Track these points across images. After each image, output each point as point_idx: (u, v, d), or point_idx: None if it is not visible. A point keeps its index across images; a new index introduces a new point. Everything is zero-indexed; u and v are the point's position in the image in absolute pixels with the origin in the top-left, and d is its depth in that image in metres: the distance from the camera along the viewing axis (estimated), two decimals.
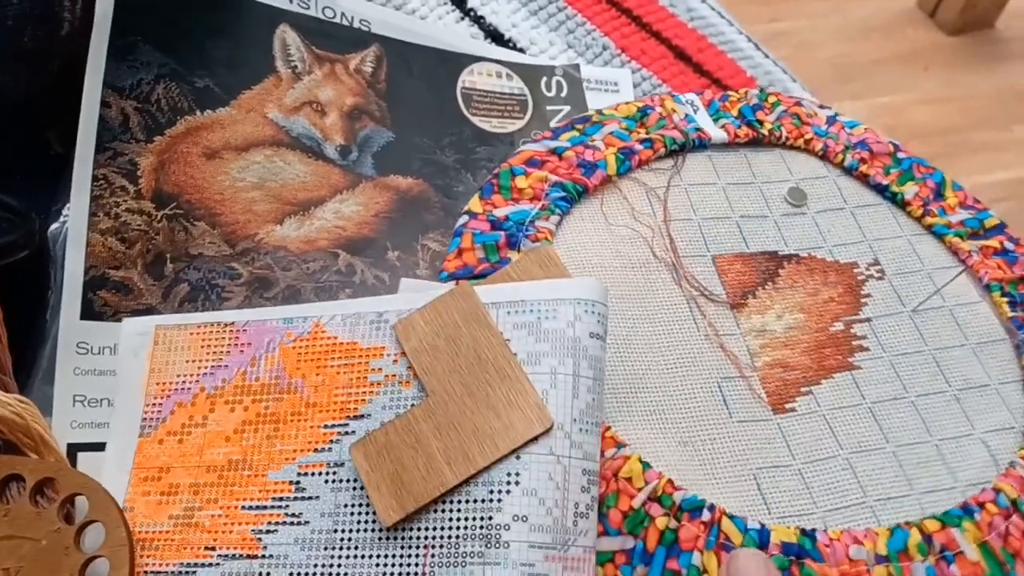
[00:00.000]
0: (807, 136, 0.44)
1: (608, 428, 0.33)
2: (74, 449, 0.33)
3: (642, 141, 0.42)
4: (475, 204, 0.39)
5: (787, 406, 0.36)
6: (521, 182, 0.40)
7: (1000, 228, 0.43)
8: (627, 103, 0.44)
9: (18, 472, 0.29)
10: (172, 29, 0.38)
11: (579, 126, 0.42)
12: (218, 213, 0.37)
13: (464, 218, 0.39)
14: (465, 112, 0.44)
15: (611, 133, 0.42)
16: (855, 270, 0.41)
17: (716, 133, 0.43)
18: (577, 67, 0.47)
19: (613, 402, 0.34)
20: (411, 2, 0.48)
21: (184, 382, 0.33)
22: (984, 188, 1.18)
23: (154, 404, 0.32)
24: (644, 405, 0.35)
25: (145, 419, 0.32)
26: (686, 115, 0.44)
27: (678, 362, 0.36)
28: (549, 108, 0.45)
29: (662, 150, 0.42)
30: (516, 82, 0.45)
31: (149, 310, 0.35)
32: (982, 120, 1.29)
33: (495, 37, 0.48)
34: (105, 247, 0.34)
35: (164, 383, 0.33)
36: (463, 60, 0.45)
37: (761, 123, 0.44)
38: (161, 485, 0.31)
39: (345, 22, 0.43)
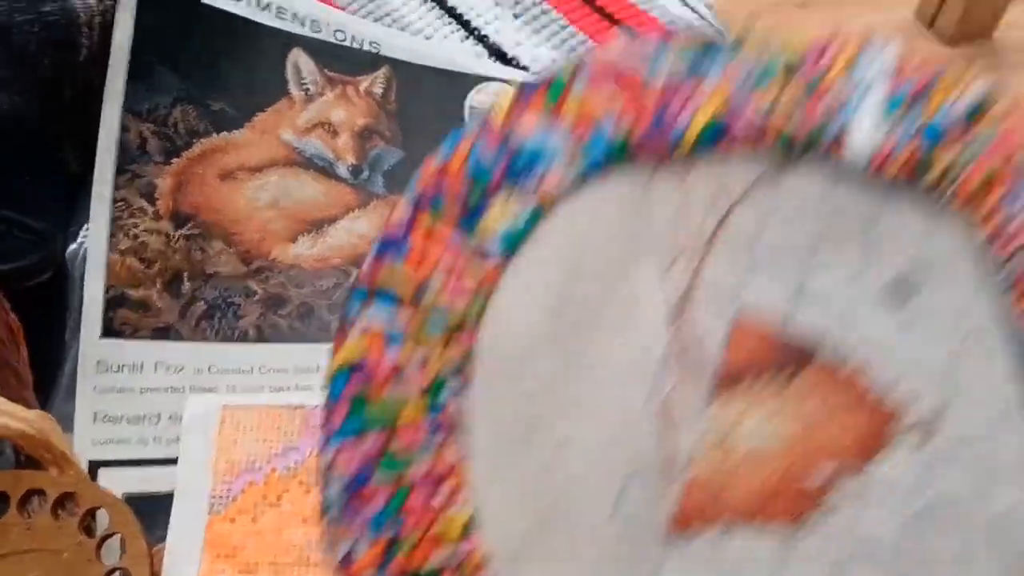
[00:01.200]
0: (990, 203, 0.28)
1: (458, 465, 0.26)
2: (95, 466, 0.33)
3: (753, 116, 0.28)
4: (499, 112, 0.28)
5: (688, 533, 0.27)
6: (572, 106, 0.28)
7: None
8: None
9: (40, 487, 0.29)
10: (188, 54, 0.39)
11: (703, 51, 0.28)
12: (234, 232, 0.38)
13: (473, 125, 0.28)
14: None
15: (732, 78, 0.28)
16: (899, 414, 0.28)
17: (860, 144, 0.28)
18: None
19: (487, 434, 0.27)
20: (416, 23, 0.49)
21: (254, 462, 0.33)
22: None
23: (223, 482, 0.33)
24: (527, 458, 0.27)
25: (214, 497, 0.32)
26: (854, 92, 0.28)
27: (598, 426, 0.27)
28: None
29: (770, 142, 0.28)
30: None
31: (167, 328, 0.36)
32: None
33: (499, 55, 0.49)
34: (125, 267, 0.35)
35: (233, 462, 0.33)
36: (471, 80, 0.46)
37: (934, 160, 0.28)
38: (238, 563, 0.31)
39: (355, 45, 0.44)
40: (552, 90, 0.28)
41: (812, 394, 0.28)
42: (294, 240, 0.39)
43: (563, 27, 0.51)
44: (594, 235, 0.28)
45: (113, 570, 0.28)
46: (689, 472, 0.27)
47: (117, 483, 0.33)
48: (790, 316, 0.28)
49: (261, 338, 0.37)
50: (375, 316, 0.27)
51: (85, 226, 0.36)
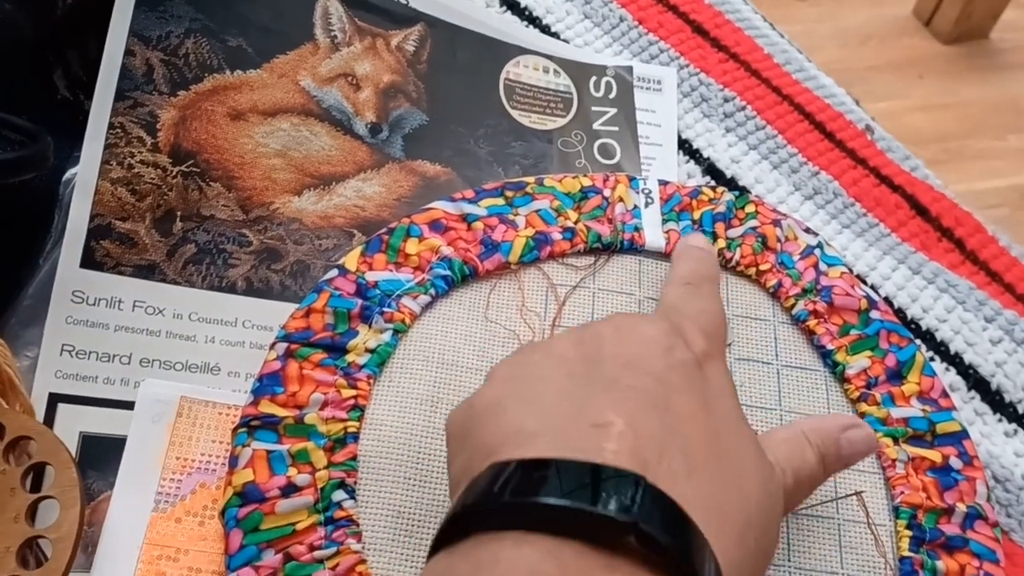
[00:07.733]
0: (763, 266, 0.37)
1: (363, 562, 0.29)
2: (55, 399, 0.32)
3: (565, 230, 0.36)
4: (351, 259, 0.34)
5: None
6: (412, 246, 0.35)
7: (955, 437, 0.34)
8: (575, 177, 0.38)
9: None
10: None
11: (509, 193, 0.37)
12: (236, 176, 0.36)
13: (333, 272, 0.34)
14: (505, 104, 0.42)
15: (537, 211, 0.37)
16: None
17: (653, 238, 0.37)
18: (630, 70, 0.45)
19: (393, 529, 0.30)
20: None
21: (208, 462, 0.31)
22: (979, 195, 1.22)
23: (172, 479, 0.31)
24: (424, 539, 0.30)
25: (160, 493, 0.31)
26: (634, 207, 0.38)
27: None
28: (594, 109, 0.43)
29: (581, 246, 0.36)
30: (563, 79, 0.44)
31: (151, 266, 0.34)
32: (977, 128, 1.31)
33: (511, 6, 0.46)
34: (114, 196, 0.34)
35: (185, 459, 0.31)
36: (511, 51, 0.43)
37: (715, 237, 0.38)
38: (179, 567, 0.29)
39: None
40: (393, 238, 0.35)
41: None
42: (299, 193, 0.37)
43: None
44: (453, 337, 0.34)
45: (41, 499, 0.27)
46: None
47: (76, 420, 0.32)
48: None
49: (250, 291, 0.35)
50: (260, 444, 0.30)
51: None
